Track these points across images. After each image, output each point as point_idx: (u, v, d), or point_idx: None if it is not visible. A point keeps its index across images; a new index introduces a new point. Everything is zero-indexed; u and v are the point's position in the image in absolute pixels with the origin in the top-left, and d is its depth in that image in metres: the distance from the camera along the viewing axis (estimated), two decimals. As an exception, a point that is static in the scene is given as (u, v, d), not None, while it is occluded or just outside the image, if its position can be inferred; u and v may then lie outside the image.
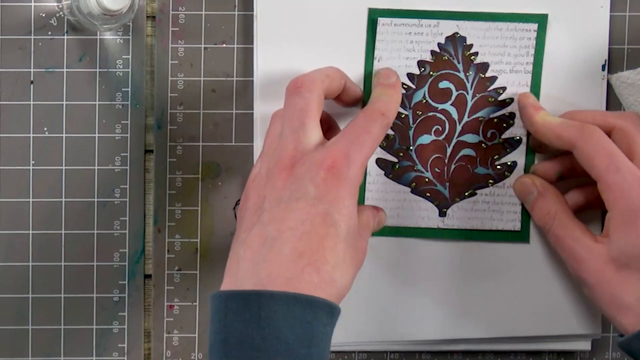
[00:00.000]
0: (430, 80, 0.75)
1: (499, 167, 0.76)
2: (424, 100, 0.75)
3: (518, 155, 0.76)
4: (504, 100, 0.75)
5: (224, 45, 0.77)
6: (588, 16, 0.76)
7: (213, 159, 0.78)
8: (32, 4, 0.76)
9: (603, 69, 0.76)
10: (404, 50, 0.75)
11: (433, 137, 0.76)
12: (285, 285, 0.63)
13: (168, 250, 0.78)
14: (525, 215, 0.76)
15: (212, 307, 0.65)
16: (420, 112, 0.75)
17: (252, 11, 0.76)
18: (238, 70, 0.77)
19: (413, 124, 0.75)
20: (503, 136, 0.76)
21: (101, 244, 0.77)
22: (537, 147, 0.76)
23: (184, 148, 0.77)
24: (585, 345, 0.79)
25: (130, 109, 0.77)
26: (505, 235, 0.76)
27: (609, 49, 0.77)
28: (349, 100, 0.74)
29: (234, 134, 0.77)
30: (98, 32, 0.76)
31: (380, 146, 0.75)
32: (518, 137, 0.76)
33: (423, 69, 0.75)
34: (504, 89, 0.75)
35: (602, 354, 0.80)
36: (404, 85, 0.75)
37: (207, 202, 0.78)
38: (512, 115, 0.76)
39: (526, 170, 0.76)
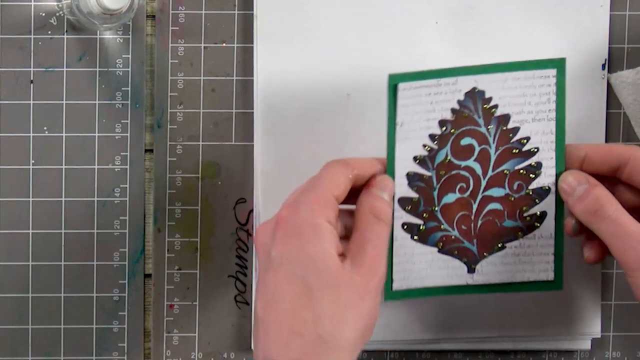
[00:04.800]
0: (452, 138, 0.71)
1: (527, 218, 0.73)
2: (447, 160, 0.72)
3: (547, 205, 0.73)
4: (529, 150, 0.72)
5: (224, 44, 0.77)
6: (588, 16, 0.76)
7: (213, 158, 0.78)
8: (32, 3, 0.76)
9: (603, 68, 0.76)
10: (425, 112, 0.71)
11: (458, 195, 0.72)
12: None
13: (168, 250, 0.78)
14: (559, 262, 0.73)
15: None
16: (444, 172, 0.72)
17: (252, 11, 0.76)
18: (238, 70, 0.77)
19: (437, 184, 0.72)
20: (530, 187, 0.72)
21: (101, 243, 0.77)
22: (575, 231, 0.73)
23: (184, 147, 0.77)
24: (585, 345, 0.79)
25: (130, 108, 0.77)
26: (538, 285, 0.74)
27: (609, 48, 0.77)
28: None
29: (234, 133, 0.77)
30: (98, 32, 0.76)
31: (404, 210, 0.72)
32: (547, 187, 0.72)
33: (444, 128, 0.71)
34: (527, 138, 0.72)
35: (602, 354, 0.80)
36: (426, 147, 0.72)
37: (207, 202, 0.78)
38: (539, 165, 0.72)
39: (557, 220, 0.73)
